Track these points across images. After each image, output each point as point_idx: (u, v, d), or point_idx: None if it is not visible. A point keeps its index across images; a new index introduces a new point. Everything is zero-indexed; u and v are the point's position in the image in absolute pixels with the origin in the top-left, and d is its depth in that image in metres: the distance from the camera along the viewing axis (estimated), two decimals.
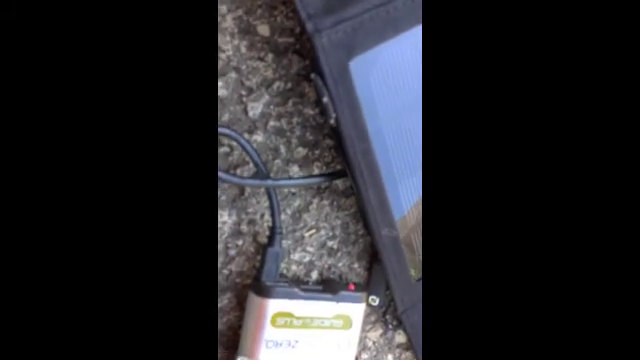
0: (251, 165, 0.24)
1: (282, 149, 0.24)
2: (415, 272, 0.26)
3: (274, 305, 0.23)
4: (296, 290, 0.23)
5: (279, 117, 0.24)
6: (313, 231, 0.26)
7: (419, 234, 0.25)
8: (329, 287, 0.24)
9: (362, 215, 0.26)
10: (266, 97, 0.24)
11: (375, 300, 0.26)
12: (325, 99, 0.19)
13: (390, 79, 0.21)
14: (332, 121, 0.20)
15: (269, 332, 0.23)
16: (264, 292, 0.23)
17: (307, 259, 0.26)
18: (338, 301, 0.24)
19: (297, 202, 0.25)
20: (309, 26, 0.18)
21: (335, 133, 0.22)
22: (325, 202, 0.26)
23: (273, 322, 0.23)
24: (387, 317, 0.28)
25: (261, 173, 0.23)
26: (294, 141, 0.25)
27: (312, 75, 0.19)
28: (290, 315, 0.23)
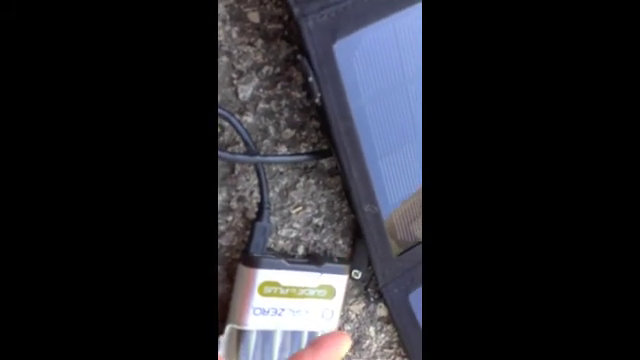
0: (241, 145, 0.25)
1: (271, 130, 0.26)
2: (396, 247, 0.28)
3: (262, 275, 0.24)
4: (282, 261, 0.24)
5: (268, 100, 0.25)
6: (299, 208, 0.27)
7: (399, 210, 0.27)
8: (314, 260, 0.26)
9: (346, 193, 0.27)
10: (256, 80, 0.25)
11: (358, 274, 0.28)
12: (310, 79, 0.21)
13: (372, 61, 0.22)
14: (317, 100, 0.22)
15: (257, 300, 0.24)
16: (252, 263, 0.24)
17: (293, 235, 0.28)
18: (322, 272, 0.25)
19: (285, 181, 0.27)
20: (296, 10, 0.20)
21: (320, 112, 0.23)
22: (311, 181, 0.27)
23: (260, 291, 0.24)
24: (369, 291, 0.29)
25: (251, 151, 0.24)
26: (282, 122, 0.26)
27: (299, 56, 0.21)
28: (277, 284, 0.24)
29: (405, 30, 0.22)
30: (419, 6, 0.22)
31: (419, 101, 0.24)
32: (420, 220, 0.27)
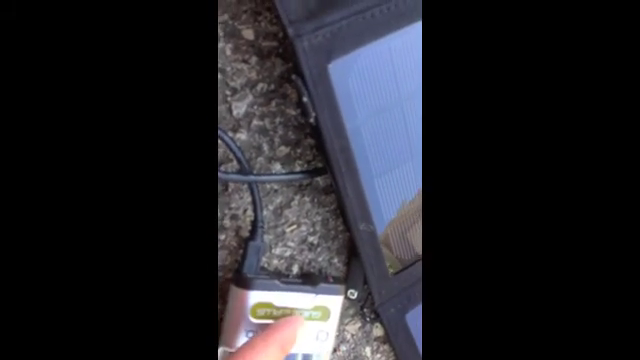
0: (235, 162, 0.25)
1: (265, 147, 0.26)
2: (392, 266, 0.27)
3: (254, 296, 0.24)
4: (276, 282, 0.24)
5: (262, 117, 0.25)
6: (294, 227, 0.27)
7: (396, 229, 0.26)
8: (309, 280, 0.25)
9: (341, 211, 0.27)
10: (250, 97, 0.25)
11: (353, 293, 0.28)
12: (305, 99, 0.21)
13: (367, 81, 0.22)
14: (312, 119, 0.21)
15: (249, 322, 0.24)
16: (245, 284, 0.24)
17: (288, 253, 0.27)
18: (317, 293, 0.25)
19: (279, 199, 0.26)
20: (291, 31, 0.20)
21: (315, 131, 0.23)
22: (306, 199, 0.27)
23: (253, 313, 0.24)
24: (365, 310, 0.29)
25: (244, 169, 0.24)
26: (277, 140, 0.26)
27: (293, 76, 0.21)
28: (270, 306, 0.24)
29: (400, 50, 0.22)
30: (414, 26, 0.22)
31: (415, 120, 0.24)
32: (415, 229, 0.27)
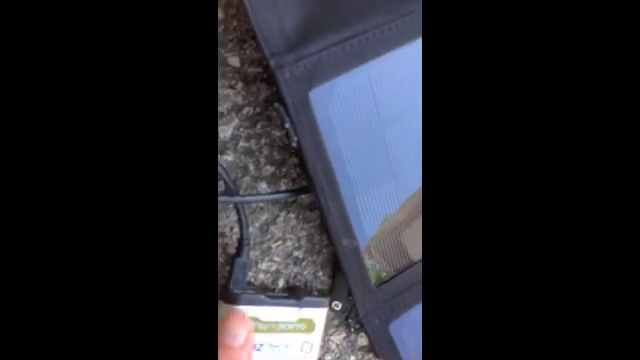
0: (221, 182, 0.26)
1: (251, 167, 0.27)
2: (375, 279, 0.28)
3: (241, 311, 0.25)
4: (262, 297, 0.25)
5: (248, 138, 0.26)
6: (280, 242, 0.28)
7: (378, 243, 0.27)
8: (294, 294, 0.26)
9: (324, 226, 0.28)
10: (236, 121, 0.26)
11: (338, 305, 0.29)
12: (287, 125, 0.22)
13: (348, 106, 0.23)
14: (294, 144, 0.22)
15: None
16: (231, 299, 0.25)
17: (274, 268, 0.28)
18: (301, 306, 0.26)
19: (265, 216, 0.27)
20: (272, 62, 0.21)
21: (298, 154, 0.24)
22: (291, 215, 0.28)
23: None
24: (350, 321, 0.30)
25: (230, 191, 0.25)
26: (262, 160, 0.27)
27: (276, 104, 0.22)
28: (256, 320, 0.25)
29: (379, 76, 0.23)
30: (392, 53, 0.23)
31: (395, 142, 0.25)
32: (399, 240, 0.28)
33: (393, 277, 0.29)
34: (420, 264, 0.29)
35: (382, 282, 0.28)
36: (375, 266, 0.28)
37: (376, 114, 0.24)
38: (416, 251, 0.29)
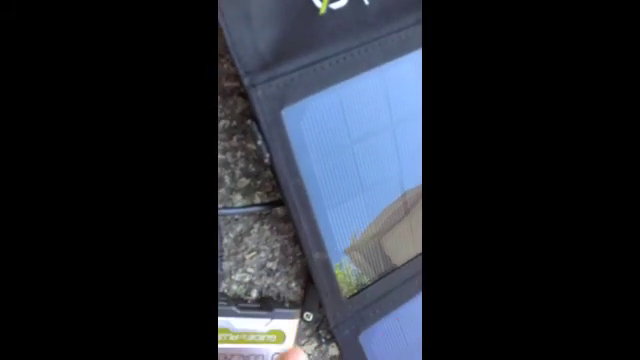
0: None
1: (227, 179, 0.27)
2: (346, 291, 0.29)
3: None
4: (233, 308, 0.25)
5: (224, 151, 0.27)
6: (254, 253, 0.29)
7: (349, 256, 0.28)
8: (265, 305, 0.27)
9: (298, 240, 0.29)
10: None
11: (309, 316, 0.29)
12: (259, 142, 0.22)
13: (319, 125, 0.24)
14: (266, 160, 0.23)
15: None
16: None
17: (247, 279, 0.29)
18: (272, 318, 0.26)
19: (239, 227, 0.28)
20: (246, 81, 0.21)
21: (272, 169, 0.25)
22: (265, 227, 0.28)
23: None
24: (321, 332, 0.30)
25: None
26: (238, 172, 0.27)
27: (249, 121, 0.22)
28: (227, 331, 0.25)
29: (349, 97, 0.24)
30: (362, 75, 0.24)
31: (364, 158, 0.26)
32: (372, 241, 0.29)
33: (363, 289, 0.29)
34: (399, 270, 0.29)
35: (352, 294, 0.29)
36: (345, 277, 0.28)
37: (346, 132, 0.25)
38: (386, 263, 0.29)
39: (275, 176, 0.24)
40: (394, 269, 0.30)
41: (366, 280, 0.29)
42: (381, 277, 0.29)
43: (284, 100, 0.22)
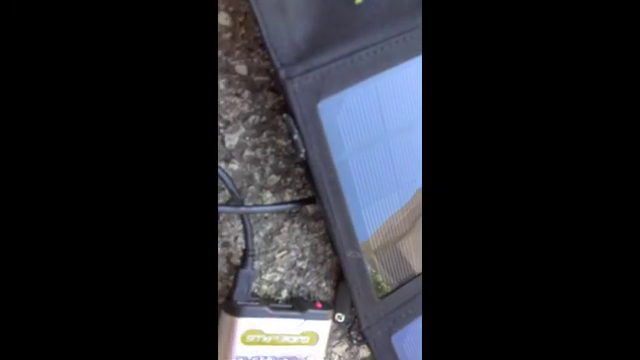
0: (226, 191, 0.25)
1: (256, 176, 0.26)
2: (378, 291, 0.28)
3: (244, 323, 0.24)
4: (265, 309, 0.25)
5: (254, 147, 0.26)
6: (284, 252, 0.28)
7: (381, 256, 0.27)
8: (297, 305, 0.26)
9: (330, 237, 0.28)
10: (242, 129, 0.26)
11: (341, 317, 0.28)
12: (295, 136, 0.22)
13: (355, 118, 0.23)
14: (302, 155, 0.22)
15: (239, 349, 0.24)
16: (235, 311, 0.24)
17: (278, 279, 0.28)
18: (305, 318, 0.25)
19: (269, 225, 0.27)
20: (282, 73, 0.20)
21: (305, 165, 0.24)
22: (296, 225, 0.28)
23: (243, 339, 0.24)
24: (352, 333, 0.30)
25: (235, 199, 0.25)
26: (267, 169, 0.26)
27: (284, 115, 0.22)
28: (260, 332, 0.24)
29: (386, 89, 0.23)
30: (399, 67, 0.23)
31: (401, 153, 0.25)
32: (409, 245, 0.28)
33: (396, 289, 0.29)
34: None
35: (385, 294, 0.28)
36: (377, 277, 0.27)
37: (382, 126, 0.24)
38: (419, 263, 0.28)
39: (309, 172, 0.24)
40: None
41: (398, 280, 0.28)
42: (414, 277, 0.28)
43: (320, 93, 0.21)
